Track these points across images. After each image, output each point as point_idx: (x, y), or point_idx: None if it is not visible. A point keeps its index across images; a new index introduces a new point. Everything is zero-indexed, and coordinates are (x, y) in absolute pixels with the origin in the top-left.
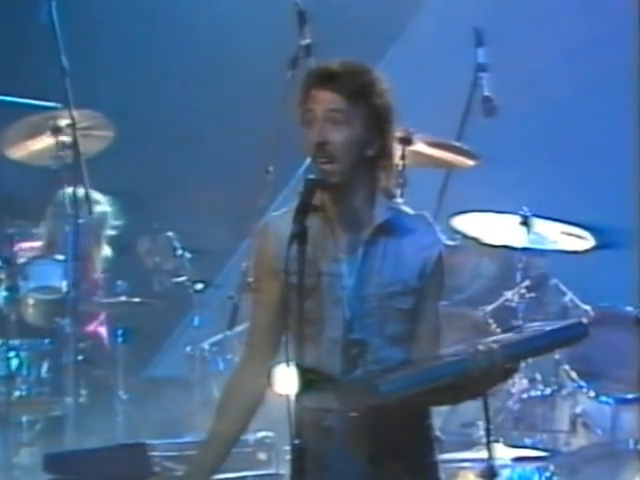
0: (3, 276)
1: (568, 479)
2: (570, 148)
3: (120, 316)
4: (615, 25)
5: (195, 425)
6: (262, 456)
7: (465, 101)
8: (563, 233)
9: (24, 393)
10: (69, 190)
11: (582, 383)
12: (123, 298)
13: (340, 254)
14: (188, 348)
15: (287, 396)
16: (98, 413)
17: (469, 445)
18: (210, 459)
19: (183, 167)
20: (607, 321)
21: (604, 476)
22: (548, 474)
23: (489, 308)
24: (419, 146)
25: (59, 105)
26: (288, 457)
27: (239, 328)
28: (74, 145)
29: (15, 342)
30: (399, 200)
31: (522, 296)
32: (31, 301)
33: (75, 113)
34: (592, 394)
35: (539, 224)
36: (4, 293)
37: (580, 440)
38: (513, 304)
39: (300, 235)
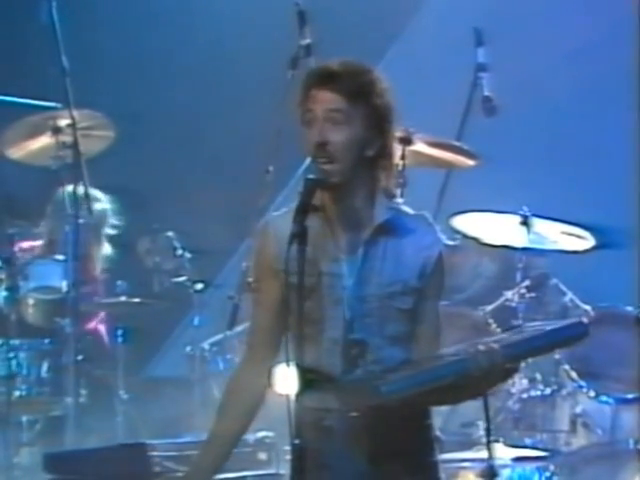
0: (3, 276)
1: (568, 479)
2: (570, 148)
3: (120, 316)
4: (615, 25)
5: (195, 425)
6: (262, 456)
7: (465, 101)
8: (563, 233)
9: (24, 393)
10: (69, 189)
11: (582, 383)
12: (123, 298)
13: (340, 254)
14: (188, 348)
15: (287, 396)
16: (98, 413)
17: (469, 445)
18: (211, 459)
19: (183, 167)
20: (607, 321)
21: (604, 476)
22: (548, 474)
23: (489, 308)
24: (419, 146)
25: (59, 105)
26: (288, 457)
27: (239, 328)
28: (74, 145)
29: (15, 342)
30: (399, 200)
31: (522, 296)
32: (31, 301)
33: (75, 113)
34: (592, 394)
35: (539, 224)
36: (4, 293)
37: (580, 440)
38: (513, 304)
39: (300, 235)
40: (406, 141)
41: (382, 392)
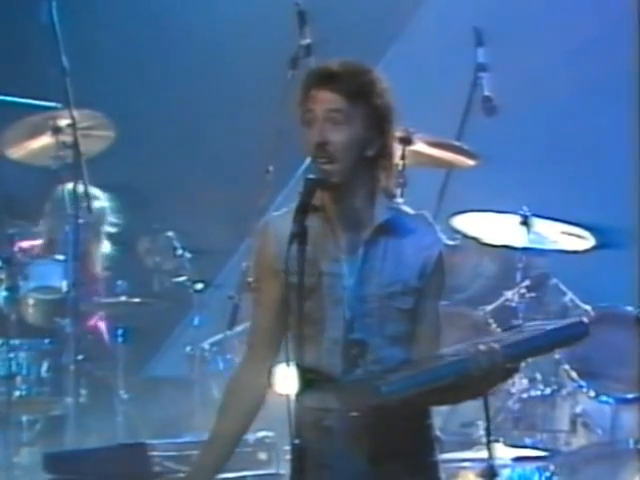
0: (3, 276)
1: (568, 479)
2: (570, 148)
3: (120, 316)
4: (615, 25)
5: (195, 425)
6: (262, 456)
7: (465, 101)
8: (563, 233)
9: (24, 393)
10: (67, 187)
11: (582, 383)
12: (123, 298)
13: (340, 254)
14: (188, 348)
15: (287, 396)
16: (98, 413)
17: (469, 445)
18: (212, 459)
19: (183, 167)
20: (607, 321)
21: (604, 476)
22: (548, 474)
23: (489, 308)
24: (419, 146)
25: (59, 105)
26: (288, 457)
27: (239, 328)
28: (74, 145)
29: (15, 342)
30: (399, 200)
31: (522, 296)
32: (31, 301)
33: (75, 113)
34: (592, 394)
35: (539, 224)
36: (4, 293)
37: (580, 440)
38: (513, 304)
39: (300, 235)
40: (406, 141)
41: (382, 392)
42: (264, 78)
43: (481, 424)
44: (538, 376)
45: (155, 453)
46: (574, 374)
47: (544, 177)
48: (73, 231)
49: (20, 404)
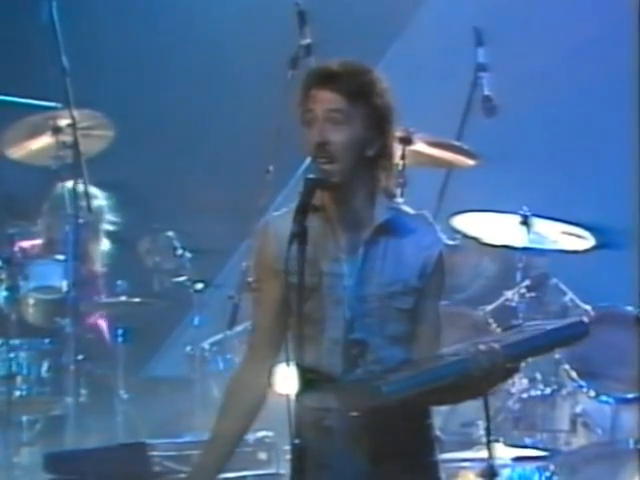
0: (3, 276)
1: (568, 479)
2: (570, 148)
3: (120, 316)
4: (615, 25)
5: (195, 425)
6: (262, 456)
7: (465, 101)
8: (563, 233)
9: (24, 393)
10: (66, 185)
11: (582, 383)
12: (123, 298)
13: (341, 254)
14: (188, 348)
15: (287, 396)
16: (98, 413)
17: (469, 445)
18: (213, 459)
19: (183, 167)
20: (607, 321)
21: (604, 476)
22: (548, 474)
23: (489, 308)
24: (419, 146)
25: (59, 105)
26: (288, 457)
27: (239, 328)
28: (74, 145)
29: (15, 342)
30: (399, 200)
31: (522, 296)
32: (31, 301)
33: (75, 113)
34: (592, 394)
35: (539, 224)
36: (4, 293)
37: (580, 440)
38: (513, 304)
39: (300, 235)
40: (406, 141)
41: (383, 392)
42: (264, 78)
43: (481, 424)
44: (538, 376)
45: (155, 453)
46: (574, 374)
47: (544, 177)
48: (73, 231)
49: (20, 404)
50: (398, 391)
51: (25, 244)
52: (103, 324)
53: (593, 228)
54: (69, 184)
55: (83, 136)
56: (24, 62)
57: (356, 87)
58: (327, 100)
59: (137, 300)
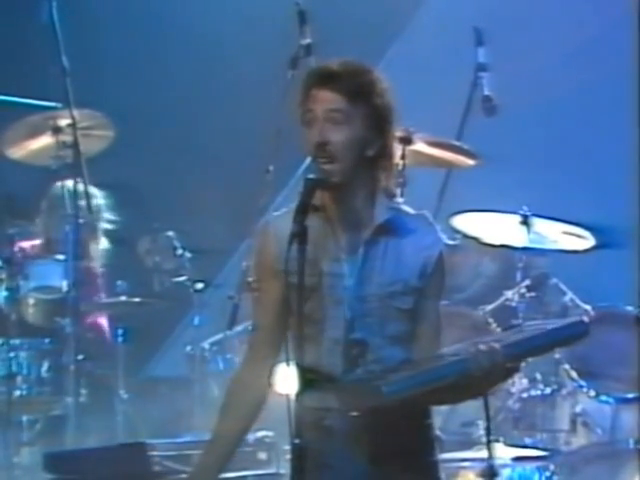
0: (3, 276)
1: (568, 478)
2: (570, 147)
3: (120, 316)
4: (615, 25)
5: (195, 425)
6: (262, 455)
7: (465, 100)
8: (563, 232)
9: (24, 393)
10: (64, 185)
11: (582, 382)
12: (123, 298)
13: (341, 254)
14: (188, 348)
15: (287, 396)
16: (98, 413)
17: (469, 444)
18: (214, 459)
19: (183, 167)
20: (607, 321)
21: (604, 475)
22: (548, 473)
23: (489, 308)
24: (419, 145)
25: (59, 105)
26: (288, 457)
27: (239, 328)
28: (75, 145)
29: (15, 341)
30: (399, 200)
31: (522, 296)
32: (31, 301)
33: (75, 113)
34: (592, 393)
35: (539, 223)
36: (4, 293)
37: (580, 439)
38: (513, 304)
39: (300, 235)
40: (406, 141)
41: (383, 392)
42: (264, 78)
43: (481, 424)
44: (538, 376)
45: (155, 453)
46: (574, 374)
47: (544, 177)
48: (73, 231)
49: (20, 404)
50: (398, 391)
51: (25, 244)
52: (103, 322)
53: (593, 228)
54: (67, 183)
55: (83, 136)
56: (24, 62)
57: (356, 87)
58: (327, 100)
59: (137, 300)
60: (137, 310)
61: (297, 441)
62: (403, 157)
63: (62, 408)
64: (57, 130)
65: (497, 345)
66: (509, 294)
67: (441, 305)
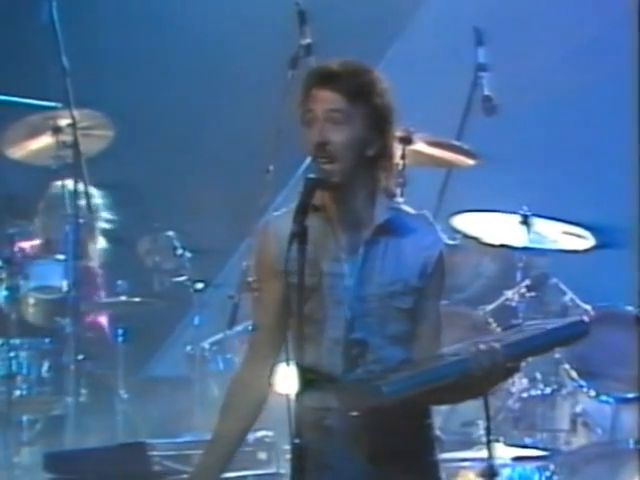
0: (3, 276)
1: (568, 478)
2: (570, 147)
3: (120, 316)
4: (615, 25)
5: (195, 424)
6: (262, 455)
7: (465, 100)
8: (563, 232)
9: (24, 392)
10: (62, 184)
11: (582, 382)
12: (123, 298)
13: (341, 254)
14: (188, 347)
15: (287, 395)
16: (98, 412)
17: (469, 444)
18: (215, 459)
19: (183, 167)
20: (607, 321)
21: (604, 475)
22: (548, 473)
23: (489, 307)
24: (419, 145)
25: (59, 105)
26: (288, 456)
27: (239, 327)
28: (75, 145)
29: (15, 341)
30: (399, 200)
31: (522, 295)
32: (31, 300)
33: (75, 113)
34: (592, 393)
35: (539, 223)
36: (4, 292)
37: (580, 439)
38: (513, 303)
39: (300, 235)
40: (406, 140)
41: (384, 392)
42: (264, 78)
43: (481, 423)
44: (538, 375)
45: (155, 453)
46: (574, 374)
47: (544, 177)
48: (73, 231)
49: (20, 404)
50: (398, 391)
51: (25, 244)
52: (103, 321)
53: (593, 228)
54: (65, 183)
55: (83, 136)
56: (24, 62)
57: (356, 87)
58: (327, 100)
59: (137, 300)
60: (137, 310)
61: (297, 441)
62: (403, 157)
63: (62, 408)
64: (57, 130)
65: (497, 345)
66: (509, 294)
67: (441, 305)
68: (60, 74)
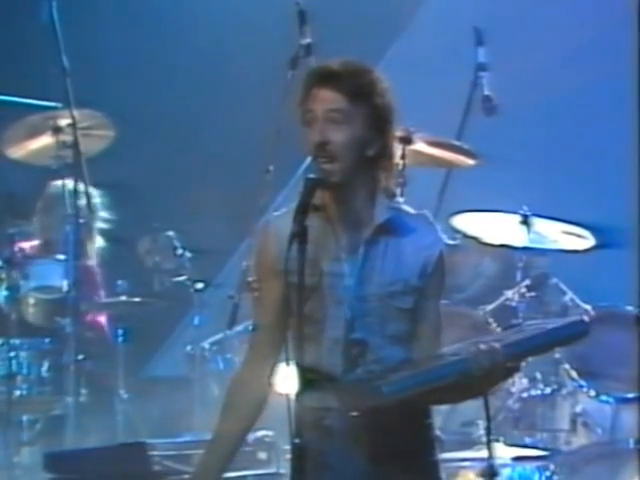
0: (3, 276)
1: (568, 478)
2: (570, 147)
3: (120, 316)
4: (615, 25)
5: (195, 424)
6: (262, 455)
7: (465, 100)
8: (563, 232)
9: (25, 392)
10: (59, 184)
11: (582, 382)
12: (123, 298)
13: (341, 253)
14: (188, 347)
15: (287, 395)
16: (98, 412)
17: (469, 444)
18: (216, 459)
19: (183, 166)
20: (607, 321)
21: (604, 475)
22: (548, 473)
23: (489, 307)
24: (419, 145)
25: (60, 105)
26: (288, 456)
27: (239, 327)
28: (75, 145)
29: (16, 341)
30: (400, 199)
31: (522, 295)
32: (32, 300)
33: (76, 113)
34: (592, 393)
35: (539, 223)
36: (5, 292)
37: (580, 439)
38: (513, 303)
39: (300, 235)
40: (406, 140)
41: (384, 392)
42: (264, 78)
43: (481, 423)
44: (538, 375)
45: (155, 452)
46: (574, 373)
47: (544, 177)
48: (74, 231)
49: (20, 403)
50: (399, 391)
51: (25, 244)
52: (103, 321)
53: (593, 228)
54: (62, 183)
55: (83, 136)
56: (24, 62)
57: (357, 87)
58: (328, 99)
59: (137, 300)
60: (137, 310)
61: (297, 441)
62: (403, 157)
63: (62, 408)
64: (57, 130)
65: (497, 345)
66: (509, 294)
67: (441, 305)
68: (60, 74)
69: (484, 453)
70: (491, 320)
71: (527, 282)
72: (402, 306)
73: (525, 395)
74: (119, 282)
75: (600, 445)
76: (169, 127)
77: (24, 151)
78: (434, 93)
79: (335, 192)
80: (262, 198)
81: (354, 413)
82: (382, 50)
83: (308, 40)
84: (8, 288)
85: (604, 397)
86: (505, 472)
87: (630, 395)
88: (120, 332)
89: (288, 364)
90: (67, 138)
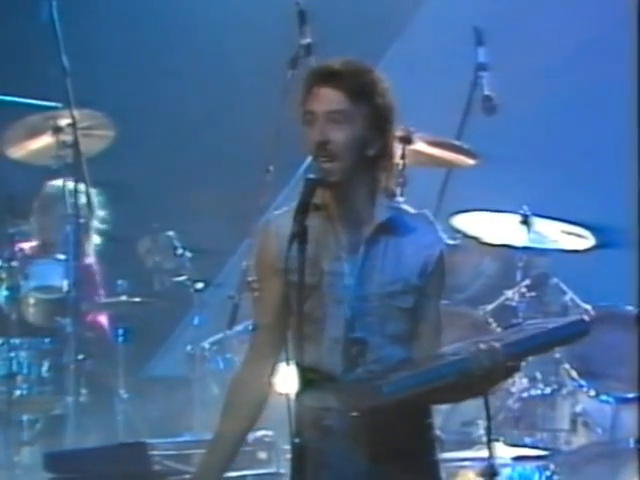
0: (4, 275)
1: (568, 478)
2: (570, 147)
3: (121, 315)
4: (615, 25)
5: (195, 424)
6: (262, 455)
7: (465, 100)
8: (563, 232)
9: (25, 392)
10: (57, 184)
11: (582, 382)
12: (124, 297)
13: (342, 253)
14: (188, 347)
15: (287, 395)
16: (98, 412)
17: (469, 444)
18: (217, 459)
19: (183, 166)
20: (607, 320)
21: (604, 475)
22: (548, 473)
23: (489, 307)
24: (419, 145)
25: (60, 105)
26: (288, 456)
27: (239, 327)
28: (75, 145)
29: (16, 341)
30: (400, 199)
31: (522, 295)
32: (32, 300)
33: (76, 113)
34: (592, 393)
35: (539, 223)
36: (5, 292)
37: (580, 439)
38: (513, 303)
39: (300, 234)
40: (406, 140)
41: (384, 392)
42: (264, 78)
43: (481, 423)
44: (538, 375)
45: (155, 452)
46: (574, 373)
47: (544, 176)
48: (74, 231)
49: (21, 403)
50: (399, 390)
51: (26, 244)
52: (104, 320)
53: (593, 228)
54: (59, 182)
55: (83, 136)
56: (24, 62)
57: (358, 86)
58: (328, 99)
59: (137, 300)
60: (137, 310)
61: (297, 440)
62: (403, 157)
63: (62, 408)
64: (57, 130)
65: (497, 344)
66: (509, 294)
67: (441, 305)
68: (60, 74)
69: (484, 453)
70: (491, 320)
71: (527, 282)
72: (402, 306)
73: (525, 395)
74: (119, 282)
75: (600, 445)
76: (169, 127)
77: (24, 151)
78: (434, 93)
79: (335, 191)
80: (262, 198)
81: (354, 413)
82: (382, 50)
83: (308, 40)
84: (8, 288)
85: (604, 397)
86: (505, 472)
87: (630, 395)
88: (120, 332)
89: (288, 364)
90: (67, 138)
